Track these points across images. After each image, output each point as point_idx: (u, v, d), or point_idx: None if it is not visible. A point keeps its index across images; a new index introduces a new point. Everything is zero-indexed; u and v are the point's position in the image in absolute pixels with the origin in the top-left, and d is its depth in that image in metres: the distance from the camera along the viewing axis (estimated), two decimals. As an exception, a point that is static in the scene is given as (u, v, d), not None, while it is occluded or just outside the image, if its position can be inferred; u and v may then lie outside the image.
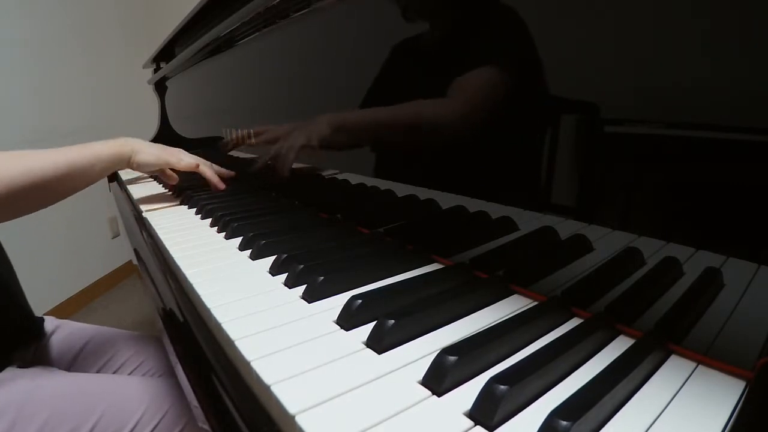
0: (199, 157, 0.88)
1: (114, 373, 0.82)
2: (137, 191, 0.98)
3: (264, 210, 0.70)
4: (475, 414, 0.24)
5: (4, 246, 0.78)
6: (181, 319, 0.42)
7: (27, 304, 0.79)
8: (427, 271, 0.44)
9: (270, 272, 0.45)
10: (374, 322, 0.32)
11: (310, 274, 0.40)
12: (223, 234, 0.59)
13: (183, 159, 0.84)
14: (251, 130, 0.84)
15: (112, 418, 0.62)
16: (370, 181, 0.56)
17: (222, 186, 0.87)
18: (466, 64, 0.42)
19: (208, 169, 0.87)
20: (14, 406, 0.58)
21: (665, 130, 0.29)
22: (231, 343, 0.32)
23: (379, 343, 0.30)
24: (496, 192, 0.41)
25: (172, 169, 0.86)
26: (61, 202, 0.70)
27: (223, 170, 0.93)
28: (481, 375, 0.27)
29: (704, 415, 0.24)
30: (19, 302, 0.77)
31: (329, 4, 0.60)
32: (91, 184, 0.72)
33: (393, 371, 0.28)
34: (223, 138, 1.01)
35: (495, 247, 0.42)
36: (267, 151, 0.79)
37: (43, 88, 1.93)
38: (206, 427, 0.31)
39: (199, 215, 0.71)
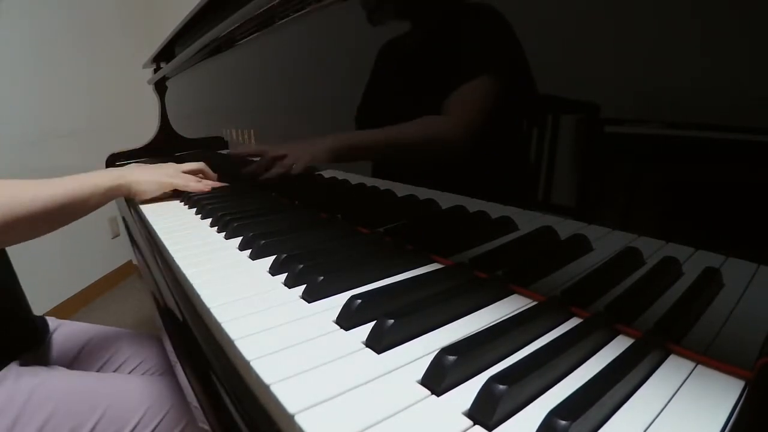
0: (193, 165, 0.91)
1: (114, 372, 0.82)
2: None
3: (264, 210, 0.70)
4: (474, 413, 0.24)
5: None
6: (181, 319, 0.42)
7: (27, 304, 0.79)
8: (427, 271, 0.44)
9: (270, 272, 0.45)
10: (374, 322, 0.32)
11: (310, 274, 0.40)
12: (223, 234, 0.59)
13: (189, 183, 0.85)
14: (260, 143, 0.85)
15: (114, 416, 0.62)
16: (370, 181, 0.56)
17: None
18: (461, 67, 0.42)
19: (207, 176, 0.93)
20: (16, 403, 0.59)
21: (665, 130, 0.29)
22: (231, 342, 0.32)
23: (378, 343, 0.30)
24: (496, 192, 0.41)
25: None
26: None
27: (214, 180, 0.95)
28: (480, 374, 0.27)
29: (703, 415, 0.24)
30: (20, 302, 0.77)
31: (329, 5, 0.60)
32: (85, 215, 0.72)
33: (392, 371, 0.28)
34: (223, 138, 1.01)
35: (495, 247, 0.42)
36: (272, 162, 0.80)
37: (43, 88, 1.93)
38: (206, 426, 0.31)
39: (199, 215, 0.71)
